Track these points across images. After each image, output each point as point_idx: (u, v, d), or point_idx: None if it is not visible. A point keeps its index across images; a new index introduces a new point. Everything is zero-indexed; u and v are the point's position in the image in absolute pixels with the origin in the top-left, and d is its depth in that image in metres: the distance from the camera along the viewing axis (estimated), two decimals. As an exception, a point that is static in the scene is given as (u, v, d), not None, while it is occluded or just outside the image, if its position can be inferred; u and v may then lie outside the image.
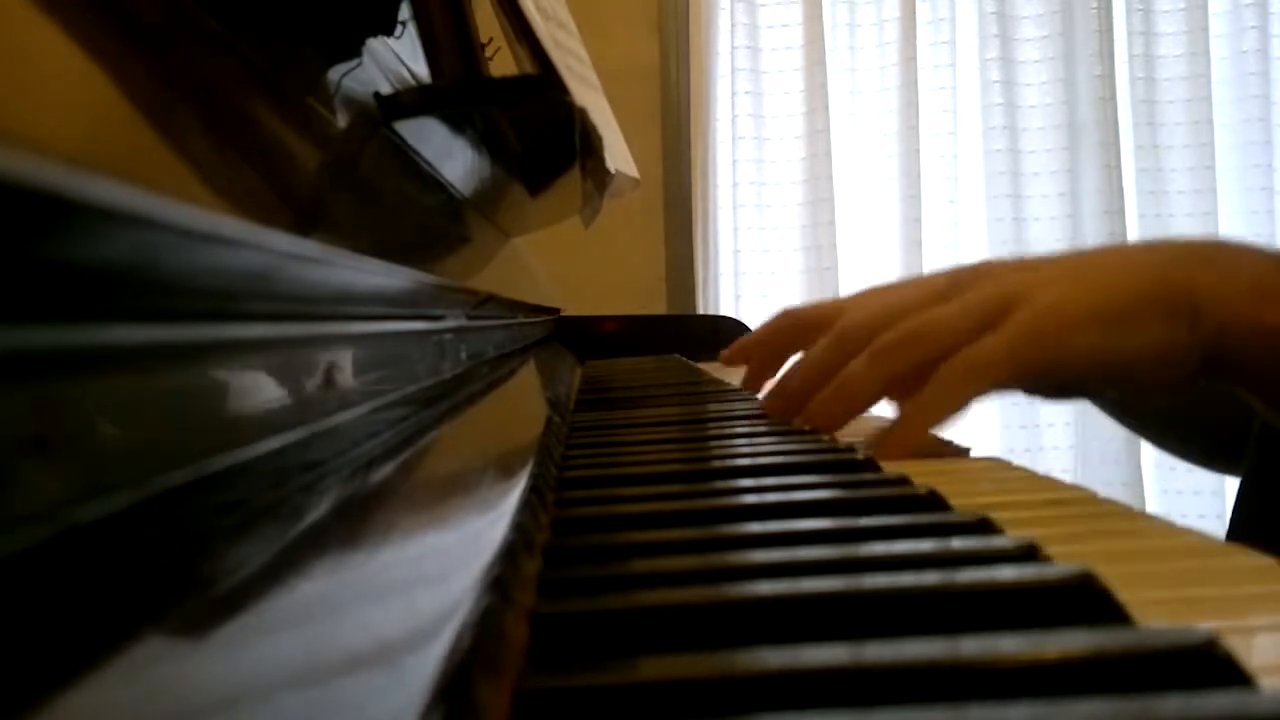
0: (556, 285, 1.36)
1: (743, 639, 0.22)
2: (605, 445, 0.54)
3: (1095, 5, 2.23)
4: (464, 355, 0.56)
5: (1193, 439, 0.77)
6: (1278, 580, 0.27)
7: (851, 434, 0.55)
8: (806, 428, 0.55)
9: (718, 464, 0.50)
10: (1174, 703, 0.17)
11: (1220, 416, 0.73)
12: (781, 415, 0.59)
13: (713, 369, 1.02)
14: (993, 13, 2.24)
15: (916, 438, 0.50)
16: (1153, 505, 2.17)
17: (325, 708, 0.15)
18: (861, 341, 0.54)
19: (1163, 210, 2.24)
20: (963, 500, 0.34)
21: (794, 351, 0.70)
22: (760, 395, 0.71)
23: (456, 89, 0.68)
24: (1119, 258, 0.55)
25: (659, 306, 2.21)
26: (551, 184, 0.93)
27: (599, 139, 0.76)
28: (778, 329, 0.72)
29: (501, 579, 0.23)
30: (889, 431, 0.52)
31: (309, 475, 0.26)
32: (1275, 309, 0.50)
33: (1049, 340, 0.50)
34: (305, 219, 0.33)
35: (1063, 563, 0.26)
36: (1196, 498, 2.17)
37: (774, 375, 0.73)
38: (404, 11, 0.60)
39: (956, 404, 0.50)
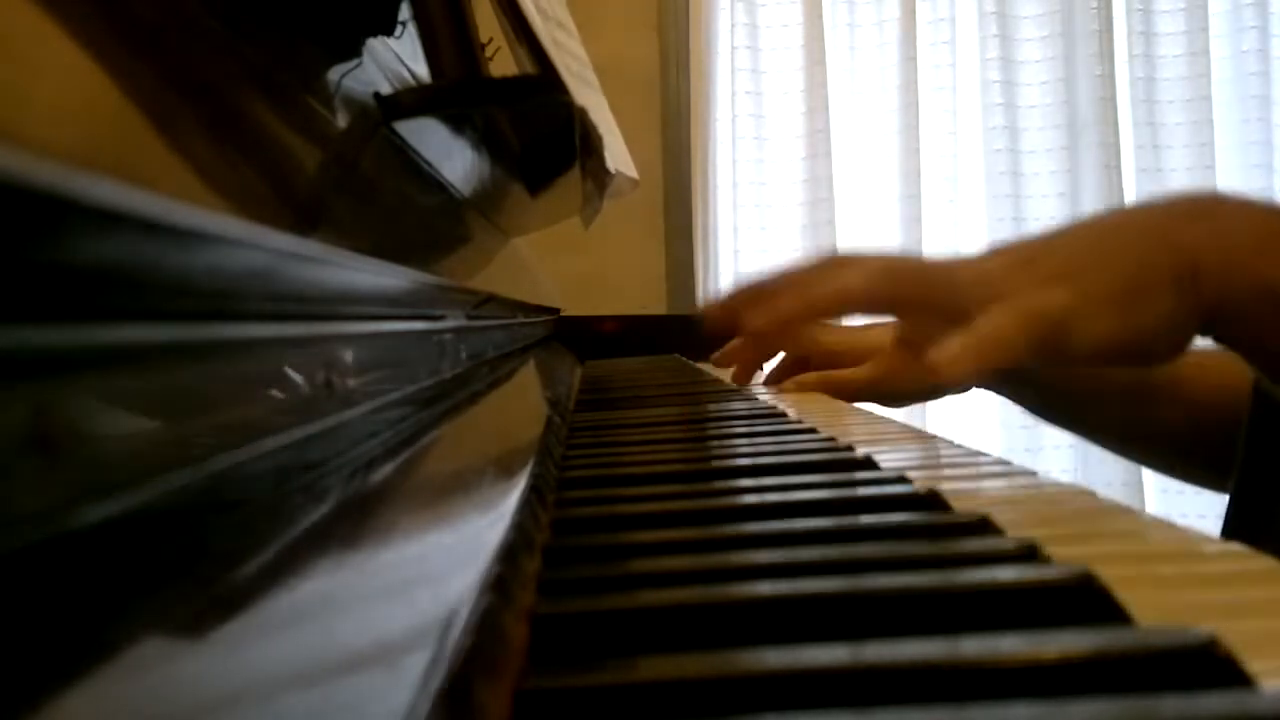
0: (556, 285, 1.36)
1: (743, 639, 0.22)
2: (605, 445, 0.53)
3: (1095, 5, 2.23)
4: (464, 355, 0.56)
5: (1152, 447, 0.77)
6: (1278, 581, 0.27)
7: (852, 435, 0.55)
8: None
9: (717, 464, 0.50)
10: (1174, 703, 0.17)
11: (1175, 425, 0.73)
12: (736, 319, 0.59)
13: (713, 369, 1.02)
14: (993, 13, 2.24)
15: (956, 367, 0.47)
16: (1153, 505, 2.17)
17: (325, 707, 0.15)
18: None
19: (1162, 210, 2.23)
20: (963, 500, 0.34)
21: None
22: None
23: (456, 89, 0.68)
24: (1117, 229, 0.53)
25: (659, 306, 2.21)
26: (551, 184, 0.93)
27: (599, 139, 0.76)
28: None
29: (501, 579, 0.23)
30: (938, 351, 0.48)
31: (309, 475, 0.26)
32: (1276, 264, 0.49)
33: (1063, 330, 0.48)
34: (305, 219, 0.33)
35: (1063, 563, 0.26)
36: (1197, 497, 2.16)
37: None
38: (404, 11, 0.61)
39: (986, 360, 0.48)
